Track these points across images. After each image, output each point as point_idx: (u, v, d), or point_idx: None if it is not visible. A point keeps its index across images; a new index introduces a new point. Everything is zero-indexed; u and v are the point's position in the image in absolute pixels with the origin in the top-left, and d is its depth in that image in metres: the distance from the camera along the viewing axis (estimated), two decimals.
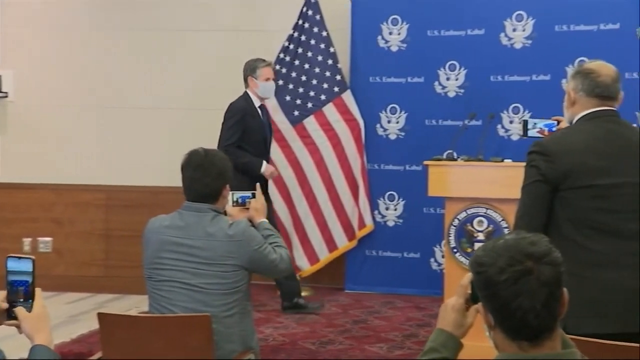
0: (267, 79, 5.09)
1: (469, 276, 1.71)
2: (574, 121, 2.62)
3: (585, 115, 2.57)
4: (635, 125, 2.71)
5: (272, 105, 5.81)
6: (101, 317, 2.67)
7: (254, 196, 3.12)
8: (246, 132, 5.02)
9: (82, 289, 6.17)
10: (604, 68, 2.60)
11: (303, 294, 5.41)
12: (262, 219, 3.11)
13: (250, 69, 5.10)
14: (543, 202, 2.52)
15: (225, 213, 3.01)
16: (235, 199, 3.11)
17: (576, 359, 1.55)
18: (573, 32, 5.40)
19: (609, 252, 2.47)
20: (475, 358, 2.15)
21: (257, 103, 5.12)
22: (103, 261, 6.33)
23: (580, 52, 5.30)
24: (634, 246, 2.47)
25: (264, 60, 5.13)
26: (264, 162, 5.09)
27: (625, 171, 2.50)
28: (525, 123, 3.17)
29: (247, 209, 3.11)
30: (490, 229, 4.23)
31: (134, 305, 5.59)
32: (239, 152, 4.94)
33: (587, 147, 2.51)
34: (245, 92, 5.15)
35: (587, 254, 2.48)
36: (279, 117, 5.84)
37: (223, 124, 5.09)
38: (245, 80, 5.13)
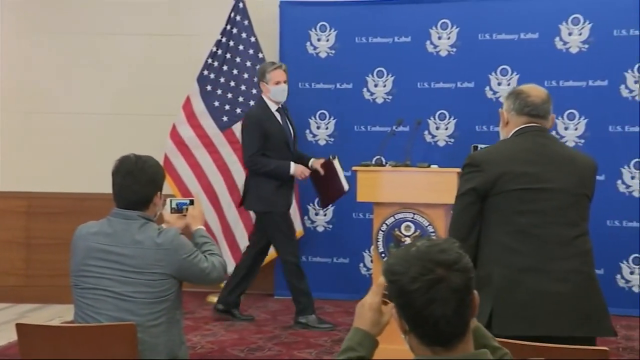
0: (278, 83, 4.94)
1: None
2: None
3: (515, 131, 2.72)
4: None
5: (200, 111, 5.79)
6: (20, 327, 2.57)
7: (192, 203, 3.06)
8: (266, 138, 4.90)
9: (1, 299, 5.96)
10: (534, 90, 2.74)
11: None
12: (199, 226, 3.04)
13: (261, 74, 4.99)
14: (472, 211, 2.64)
15: (157, 221, 2.93)
16: (172, 206, 3.04)
17: (487, 358, 1.59)
18: (496, 40, 5.54)
19: (536, 256, 2.55)
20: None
21: (273, 107, 4.99)
22: (23, 270, 6.12)
23: (502, 61, 5.50)
24: (560, 251, 2.55)
25: (273, 64, 5.01)
26: (292, 164, 4.95)
27: (552, 178, 2.60)
28: (475, 149, 3.25)
29: (185, 215, 3.04)
30: (417, 233, 4.26)
31: (57, 315, 5.44)
32: (264, 161, 4.88)
33: (515, 155, 2.64)
34: (261, 97, 5.06)
35: (515, 257, 2.56)
36: (207, 123, 5.80)
37: (242, 135, 5.04)
38: (259, 85, 5.05)
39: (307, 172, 5.01)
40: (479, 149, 3.23)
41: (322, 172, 4.93)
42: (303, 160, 5.04)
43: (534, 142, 2.67)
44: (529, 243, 2.56)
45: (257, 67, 5.73)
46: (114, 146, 5.77)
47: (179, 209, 3.03)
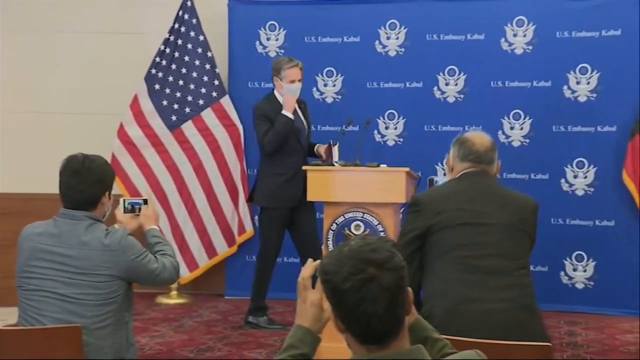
0: (292, 81, 4.81)
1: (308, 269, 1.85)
2: None
3: (458, 176, 2.81)
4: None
5: (148, 110, 5.73)
6: None
7: (145, 202, 3.01)
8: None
9: None
10: (479, 138, 2.81)
11: (181, 301, 5.25)
12: (152, 226, 3.00)
13: (276, 70, 4.86)
14: (414, 247, 2.72)
15: (107, 221, 2.88)
16: (125, 205, 3.00)
17: (421, 355, 1.60)
18: (443, 41, 5.60)
19: (477, 287, 2.58)
20: (332, 358, 2.18)
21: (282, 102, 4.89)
22: None
23: (450, 61, 5.59)
24: (501, 281, 2.59)
25: (290, 61, 4.85)
26: (282, 112, 4.78)
27: (492, 214, 2.67)
28: (431, 181, 3.32)
29: (137, 215, 3.00)
30: (367, 232, 4.25)
31: (1, 318, 5.31)
32: (265, 139, 4.78)
33: (455, 194, 2.74)
34: (272, 92, 4.94)
35: (456, 289, 2.59)
36: (155, 122, 5.75)
37: (254, 128, 4.95)
38: (272, 79, 4.92)
39: (292, 98, 4.82)
40: (434, 182, 3.28)
41: (324, 157, 4.77)
42: (311, 148, 4.95)
43: (475, 182, 2.76)
44: (469, 274, 2.60)
45: (206, 66, 5.75)
46: (61, 145, 5.67)
47: (132, 209, 2.99)
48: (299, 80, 4.84)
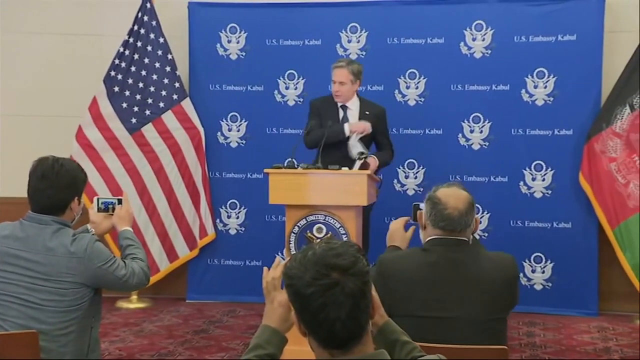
0: (334, 82, 4.79)
1: (276, 271, 1.83)
2: (423, 244, 2.57)
3: (427, 241, 2.54)
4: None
5: (107, 113, 5.66)
6: None
7: (119, 202, 2.95)
8: (321, 126, 4.71)
9: None
10: (453, 199, 2.50)
11: (141, 305, 5.16)
12: (125, 227, 2.93)
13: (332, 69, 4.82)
14: None
15: (74, 226, 2.83)
16: (99, 205, 2.94)
17: (384, 358, 1.60)
18: (404, 44, 5.61)
19: None
20: None
21: (336, 100, 4.83)
22: None
23: (411, 64, 5.62)
24: None
25: (339, 61, 4.83)
26: (346, 124, 4.70)
27: (460, 305, 2.39)
28: (416, 207, 3.03)
29: (111, 215, 2.95)
30: (329, 235, 4.28)
31: None
32: (313, 133, 4.67)
33: (419, 275, 2.44)
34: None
35: None
36: (115, 125, 5.68)
37: None
38: None
39: (367, 124, 4.70)
40: (420, 206, 2.93)
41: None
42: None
43: (444, 257, 2.46)
44: None
45: (167, 68, 5.70)
46: (19, 148, 5.64)
47: (105, 208, 2.93)
48: (339, 83, 4.75)
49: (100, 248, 2.72)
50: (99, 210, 2.94)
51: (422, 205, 2.71)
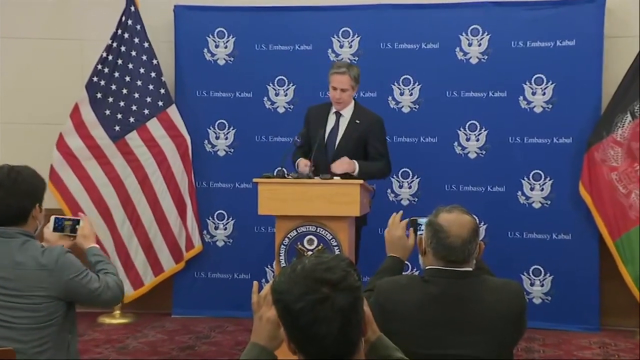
0: (335, 89, 4.57)
1: (266, 288, 1.79)
2: (423, 270, 2.43)
3: (429, 270, 2.40)
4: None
5: (90, 120, 5.57)
6: None
7: (78, 223, 2.89)
8: (310, 135, 4.58)
9: None
10: (456, 226, 2.34)
11: (124, 321, 4.99)
12: (91, 245, 2.88)
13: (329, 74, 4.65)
14: None
15: (35, 236, 2.75)
16: (55, 224, 2.87)
17: None
18: (397, 50, 5.52)
19: None
20: None
21: (334, 108, 4.66)
22: None
23: (405, 70, 5.51)
24: None
25: (339, 66, 4.61)
26: (301, 159, 4.58)
27: (460, 344, 2.28)
28: (414, 222, 2.87)
29: (69, 235, 2.87)
30: (320, 247, 4.22)
31: None
32: (295, 155, 4.61)
33: (420, 311, 2.31)
34: None
35: None
36: (98, 132, 5.59)
37: None
38: None
39: (306, 167, 4.44)
40: (418, 221, 2.77)
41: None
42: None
43: (445, 292, 2.32)
44: None
45: (152, 74, 5.62)
46: None
47: (61, 228, 2.87)
48: (341, 90, 4.55)
49: (71, 259, 2.65)
50: (54, 229, 2.88)
51: (420, 221, 2.60)
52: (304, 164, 4.50)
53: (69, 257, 2.65)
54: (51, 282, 2.57)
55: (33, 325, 2.55)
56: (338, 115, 4.69)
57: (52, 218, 2.88)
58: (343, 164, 4.46)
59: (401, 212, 2.80)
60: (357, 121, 4.65)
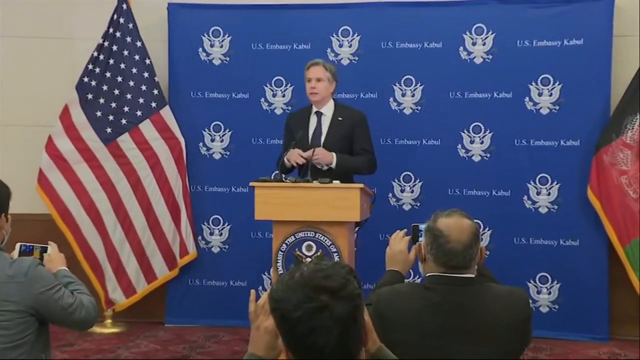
0: (310, 80, 4.53)
1: (264, 296, 1.74)
2: (424, 277, 2.39)
3: (428, 277, 2.33)
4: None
5: (80, 122, 5.48)
6: None
7: (45, 250, 2.82)
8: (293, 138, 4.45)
9: None
10: (456, 231, 2.29)
11: (116, 330, 4.91)
12: (60, 267, 2.78)
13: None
14: None
15: (3, 247, 2.67)
16: (21, 250, 2.80)
17: None
18: (399, 49, 5.42)
19: None
20: None
21: (314, 108, 4.58)
22: None
23: (406, 70, 5.41)
24: None
25: (313, 60, 4.59)
26: (289, 152, 4.44)
27: (463, 355, 2.22)
28: (415, 228, 2.75)
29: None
30: (319, 253, 4.12)
31: None
32: (280, 161, 4.50)
33: (421, 321, 2.24)
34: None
35: None
36: (88, 135, 5.50)
37: None
38: None
39: (297, 156, 4.38)
40: (420, 227, 2.64)
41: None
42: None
43: (447, 299, 2.25)
44: None
45: (145, 74, 5.52)
46: None
47: (27, 253, 2.79)
48: (316, 80, 4.51)
49: (43, 272, 2.56)
50: (20, 255, 2.79)
51: (422, 227, 2.50)
52: (295, 153, 4.39)
53: (40, 269, 2.56)
54: (21, 295, 2.50)
55: (4, 345, 2.47)
56: (319, 115, 4.59)
57: (17, 244, 2.81)
58: (319, 154, 4.40)
59: (405, 230, 2.74)
60: (340, 118, 4.57)
